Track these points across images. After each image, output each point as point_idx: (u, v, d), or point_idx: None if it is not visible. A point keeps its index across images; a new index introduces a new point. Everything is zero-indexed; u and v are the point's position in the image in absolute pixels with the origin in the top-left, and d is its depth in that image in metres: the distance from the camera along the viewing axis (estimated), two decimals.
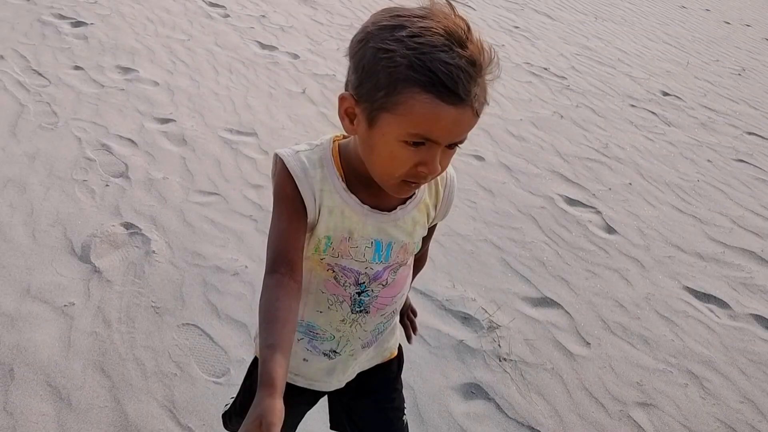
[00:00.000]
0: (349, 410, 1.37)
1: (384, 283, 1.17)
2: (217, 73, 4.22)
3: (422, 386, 2.21)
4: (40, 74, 3.75)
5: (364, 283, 1.15)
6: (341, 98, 1.00)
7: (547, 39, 6.26)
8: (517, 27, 6.45)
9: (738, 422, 2.34)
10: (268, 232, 1.07)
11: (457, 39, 0.89)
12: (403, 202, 1.13)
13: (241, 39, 4.84)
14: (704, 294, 3.00)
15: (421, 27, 0.89)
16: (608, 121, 4.64)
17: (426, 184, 1.12)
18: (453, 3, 0.94)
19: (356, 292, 1.16)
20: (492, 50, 0.94)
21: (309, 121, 3.87)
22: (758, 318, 2.91)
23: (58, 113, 3.40)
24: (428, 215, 1.19)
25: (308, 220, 1.08)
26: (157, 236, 2.66)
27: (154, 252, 2.57)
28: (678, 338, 2.69)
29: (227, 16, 5.25)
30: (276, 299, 0.99)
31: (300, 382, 1.27)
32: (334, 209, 1.08)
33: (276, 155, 1.09)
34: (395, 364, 1.39)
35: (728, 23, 8.60)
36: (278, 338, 0.94)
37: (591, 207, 3.55)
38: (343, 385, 1.31)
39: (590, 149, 4.19)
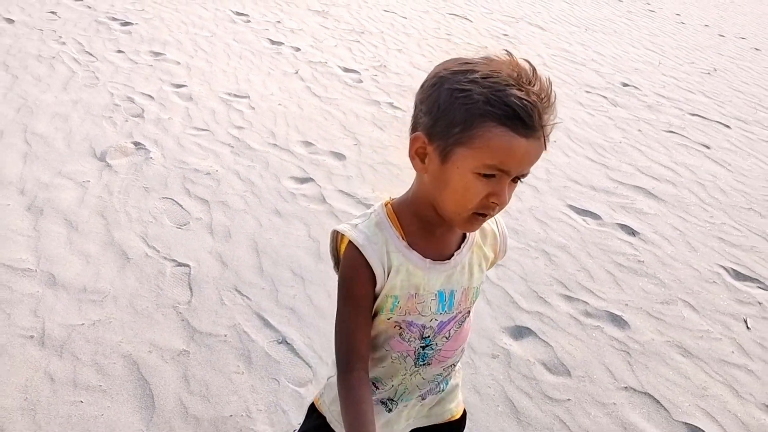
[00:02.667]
0: None
1: (447, 335, 1.20)
2: (229, 59, 5.26)
3: None
4: (90, 54, 4.88)
5: (428, 337, 1.18)
6: (413, 138, 1.05)
7: (530, 44, 7.08)
8: (506, 35, 7.30)
9: (569, 280, 3.06)
10: (334, 324, 1.13)
11: (526, 78, 0.97)
12: (458, 247, 1.17)
13: (255, 37, 5.90)
14: (583, 210, 3.72)
15: (492, 69, 0.98)
16: (558, 101, 5.40)
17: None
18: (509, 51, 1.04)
19: (421, 347, 1.18)
20: (555, 93, 1.02)
21: (295, 91, 4.82)
22: (623, 226, 3.61)
23: (99, 78, 4.48)
24: (485, 257, 1.23)
25: (377, 287, 1.11)
26: (156, 150, 3.64)
27: (151, 158, 3.55)
28: (544, 232, 3.43)
29: (248, 21, 6.34)
30: (362, 401, 1.06)
31: None
32: (400, 268, 1.11)
33: (335, 232, 1.15)
34: (456, 428, 1.38)
35: (722, 36, 9.16)
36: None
37: None
38: None
39: None
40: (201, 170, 3.51)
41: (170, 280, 2.66)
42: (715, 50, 8.20)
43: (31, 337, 2.28)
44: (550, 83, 1.00)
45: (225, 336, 2.42)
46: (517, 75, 0.97)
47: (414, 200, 1.12)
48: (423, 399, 1.28)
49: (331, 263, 1.19)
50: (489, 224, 1.23)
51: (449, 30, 7.10)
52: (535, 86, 0.97)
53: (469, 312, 1.22)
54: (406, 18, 7.34)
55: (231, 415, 2.11)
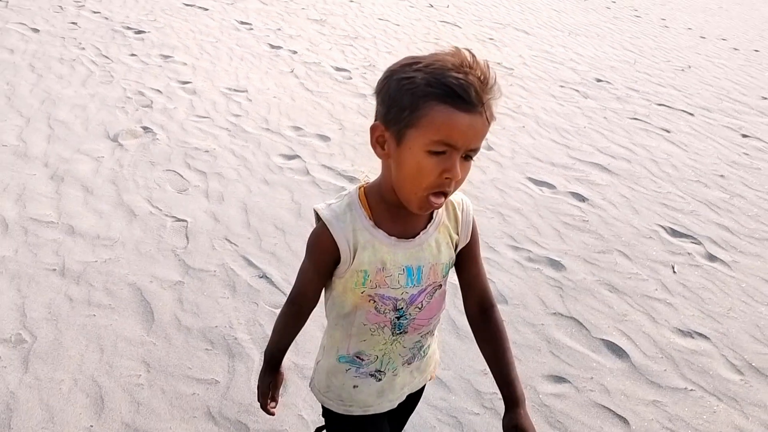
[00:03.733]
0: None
1: (420, 306, 1.30)
2: (231, 60, 5.79)
3: None
4: (106, 57, 5.43)
5: (402, 308, 1.28)
6: (372, 128, 1.15)
7: (513, 46, 7.55)
8: (491, 39, 7.78)
9: (518, 235, 3.49)
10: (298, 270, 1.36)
11: (466, 63, 1.08)
12: (425, 227, 1.27)
13: (256, 42, 6.44)
14: (540, 181, 4.16)
15: (435, 59, 1.09)
16: (531, 93, 5.85)
17: (444, 207, 1.29)
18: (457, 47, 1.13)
19: (395, 317, 1.29)
20: (495, 75, 1.11)
21: (289, 87, 5.33)
22: (574, 194, 4.04)
23: (113, 76, 5.02)
24: (451, 237, 1.30)
25: (341, 260, 1.24)
26: (162, 133, 4.14)
27: (157, 139, 4.05)
28: (502, 198, 3.88)
29: (251, 29, 6.89)
30: (291, 326, 1.41)
31: (356, 411, 1.39)
32: (366, 245, 1.22)
33: (314, 209, 1.28)
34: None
35: (703, 37, 9.57)
36: (285, 347, 1.44)
37: None
38: (395, 405, 1.43)
39: (505, 108, 5.41)
40: (200, 148, 4.00)
41: (170, 231, 3.14)
42: (693, 50, 8.62)
43: (54, 270, 2.77)
44: (489, 67, 1.10)
45: (214, 271, 2.89)
46: (457, 62, 1.07)
47: (381, 184, 1.23)
48: (409, 364, 1.39)
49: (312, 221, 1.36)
50: (453, 206, 1.31)
51: (438, 35, 7.59)
52: (475, 70, 1.08)
53: (440, 285, 1.31)
54: (398, 25, 7.85)
55: (216, 326, 2.57)
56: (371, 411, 1.38)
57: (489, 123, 1.10)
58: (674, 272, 3.35)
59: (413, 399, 1.52)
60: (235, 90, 5.09)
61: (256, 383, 1.52)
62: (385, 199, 1.22)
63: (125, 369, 2.31)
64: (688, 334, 2.89)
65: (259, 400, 1.48)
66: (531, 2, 10.62)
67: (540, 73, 6.54)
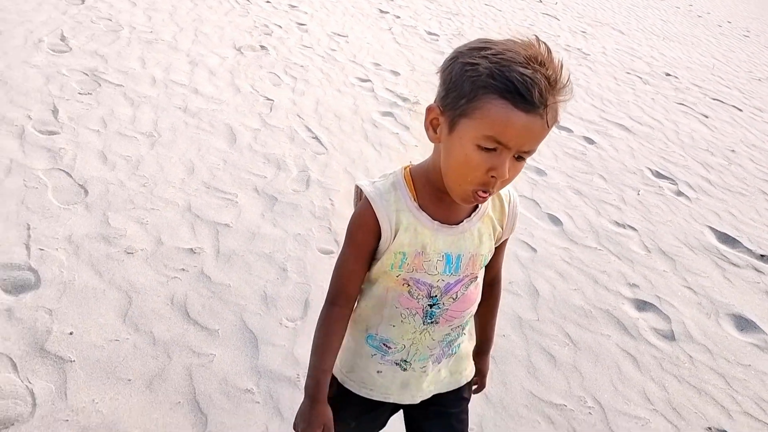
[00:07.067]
0: (420, 426, 1.45)
1: (454, 296, 1.27)
2: (343, 15, 7.04)
3: None
4: (248, 0, 6.87)
5: (436, 296, 1.25)
6: (428, 109, 1.13)
7: (602, 40, 8.26)
8: (584, 32, 8.52)
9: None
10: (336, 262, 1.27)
11: (537, 59, 1.01)
12: (469, 215, 1.24)
13: (369, 5, 7.65)
14: (562, 126, 5.02)
15: (505, 48, 1.03)
16: (595, 73, 6.63)
17: (491, 198, 1.21)
18: (538, 36, 1.07)
19: (428, 305, 1.26)
20: (569, 76, 1.04)
21: (383, 39, 6.47)
22: (587, 138, 4.87)
23: (249, 12, 6.42)
24: (494, 228, 1.27)
25: (381, 240, 1.21)
26: (273, 51, 5.43)
27: (269, 54, 5.34)
28: None
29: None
30: (333, 333, 1.26)
31: (375, 396, 1.36)
32: (408, 226, 1.19)
33: (356, 186, 1.25)
34: (467, 390, 1.47)
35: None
36: (330, 365, 1.27)
37: None
38: (417, 401, 1.38)
39: None
40: (298, 63, 5.25)
41: (260, 103, 4.38)
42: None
43: (179, 107, 4.07)
44: (562, 67, 1.04)
45: (283, 128, 4.08)
46: (529, 55, 1.01)
47: (429, 167, 1.20)
48: (438, 362, 1.36)
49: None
50: (500, 199, 1.28)
51: (534, 23, 8.47)
52: (547, 68, 1.01)
53: (476, 277, 1.29)
54: (500, 11, 8.80)
55: (273, 153, 3.75)
56: (391, 399, 1.36)
57: (549, 126, 1.05)
58: (638, 194, 4.14)
59: (444, 405, 1.43)
60: (338, 34, 6.32)
61: (295, 422, 1.30)
62: (431, 182, 1.20)
63: (212, 161, 3.53)
64: (622, 225, 3.71)
65: None
66: (641, 10, 11.14)
67: (613, 62, 7.26)
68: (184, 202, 3.07)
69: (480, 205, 1.24)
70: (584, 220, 3.70)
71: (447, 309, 1.27)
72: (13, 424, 1.87)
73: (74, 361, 2.11)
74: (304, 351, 2.33)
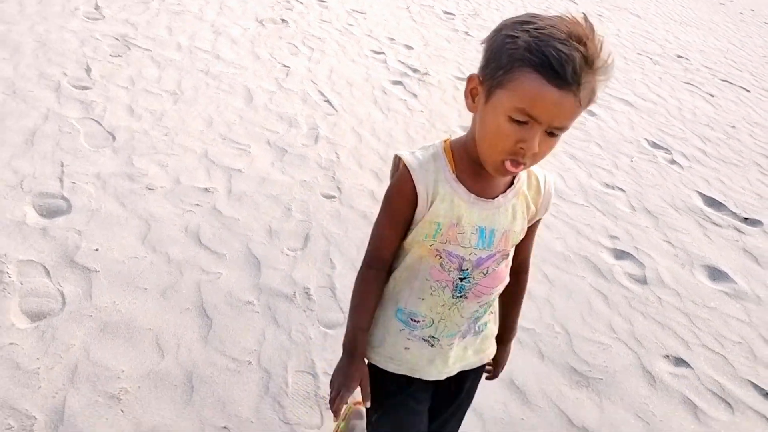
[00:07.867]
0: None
1: (485, 271, 1.29)
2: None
3: None
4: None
5: (467, 269, 1.27)
6: (470, 78, 1.15)
7: (617, 23, 8.38)
8: (600, 15, 8.65)
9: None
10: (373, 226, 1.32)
11: (577, 37, 1.02)
12: (504, 191, 1.26)
13: None
14: None
15: (549, 24, 1.04)
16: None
17: (525, 174, 1.27)
18: (586, 14, 1.06)
19: (459, 278, 1.28)
20: (610, 56, 1.03)
21: (400, 17, 6.71)
22: (588, 110, 5.05)
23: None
24: (528, 207, 1.30)
25: (417, 209, 1.23)
26: (293, 24, 5.72)
27: (288, 27, 5.63)
28: None
29: None
30: (369, 292, 1.32)
31: (402, 370, 1.38)
32: (445, 197, 1.22)
33: (396, 156, 1.27)
34: (481, 371, 1.51)
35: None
36: (366, 324, 1.34)
37: None
38: (442, 377, 1.40)
39: None
40: (315, 36, 5.52)
41: (277, 70, 4.66)
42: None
43: (202, 70, 4.38)
44: (602, 47, 1.03)
45: (297, 92, 4.36)
46: (571, 32, 1.02)
47: (468, 140, 1.22)
48: (464, 337, 1.38)
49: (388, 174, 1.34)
50: (537, 178, 1.31)
51: (551, 5, 8.62)
52: (586, 46, 1.02)
53: (507, 254, 1.31)
54: None
55: (287, 111, 4.03)
56: (417, 375, 1.38)
57: (582, 105, 1.06)
58: (631, 161, 4.34)
59: (465, 383, 1.49)
60: (356, 11, 6.58)
61: (332, 378, 1.36)
62: (469, 155, 1.22)
63: (229, 117, 3.83)
64: (611, 187, 3.93)
65: (333, 400, 1.33)
66: None
67: (626, 43, 7.41)
68: (202, 150, 3.37)
69: (516, 182, 1.27)
70: (575, 181, 3.92)
71: (477, 284, 1.29)
72: (46, 317, 2.19)
73: (99, 271, 2.42)
74: (302, 275, 2.61)
